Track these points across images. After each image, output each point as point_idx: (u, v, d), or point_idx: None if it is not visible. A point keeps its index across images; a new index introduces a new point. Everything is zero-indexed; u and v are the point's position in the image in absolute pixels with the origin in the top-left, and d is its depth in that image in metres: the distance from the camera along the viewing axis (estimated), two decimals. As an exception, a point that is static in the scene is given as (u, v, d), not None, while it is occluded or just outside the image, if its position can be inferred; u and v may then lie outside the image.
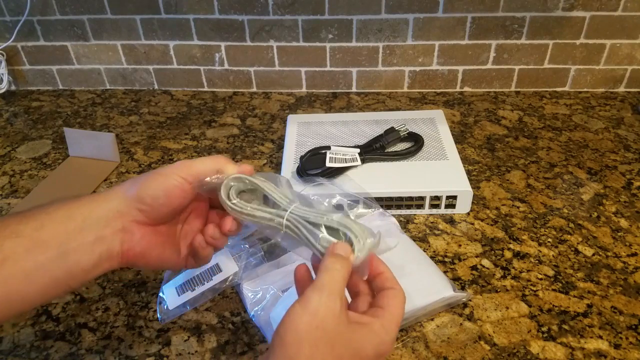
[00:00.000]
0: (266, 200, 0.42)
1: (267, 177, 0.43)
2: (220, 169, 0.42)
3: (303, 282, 0.40)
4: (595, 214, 0.64)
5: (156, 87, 0.99)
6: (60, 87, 1.01)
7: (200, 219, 0.46)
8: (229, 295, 0.55)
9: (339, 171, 0.67)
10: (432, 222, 0.64)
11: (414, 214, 0.65)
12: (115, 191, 0.41)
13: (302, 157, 0.68)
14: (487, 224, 0.64)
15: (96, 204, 0.39)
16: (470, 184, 0.65)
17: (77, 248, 0.37)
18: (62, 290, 0.38)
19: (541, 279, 0.56)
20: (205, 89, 0.98)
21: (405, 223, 0.64)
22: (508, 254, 0.59)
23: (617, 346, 0.48)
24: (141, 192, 0.40)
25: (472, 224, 0.64)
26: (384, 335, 0.35)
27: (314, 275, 0.38)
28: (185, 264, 0.46)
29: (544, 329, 0.50)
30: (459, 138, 0.80)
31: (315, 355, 0.33)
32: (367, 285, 0.40)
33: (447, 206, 0.65)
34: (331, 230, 0.39)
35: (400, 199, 0.64)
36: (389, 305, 0.37)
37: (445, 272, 0.56)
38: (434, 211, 0.65)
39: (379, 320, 0.36)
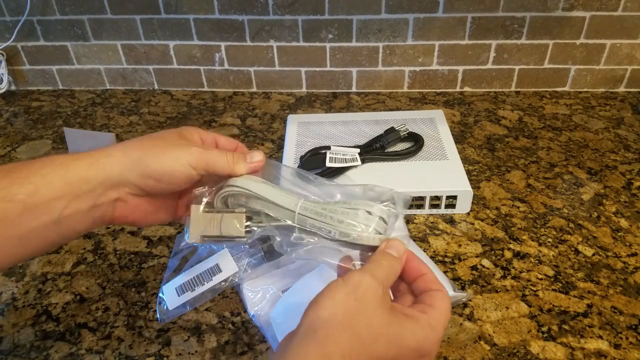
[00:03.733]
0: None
1: (268, 170, 0.43)
2: (231, 169, 0.41)
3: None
4: (595, 214, 0.64)
5: (156, 87, 0.99)
6: (60, 87, 1.01)
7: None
8: (229, 295, 0.55)
9: (339, 171, 0.67)
10: (432, 222, 0.64)
11: (414, 214, 0.65)
12: (117, 157, 0.38)
13: (302, 157, 0.68)
14: (487, 224, 0.63)
15: (95, 168, 0.37)
16: (470, 184, 0.65)
17: (71, 215, 0.37)
18: (54, 247, 0.40)
19: (541, 279, 0.56)
20: (205, 89, 0.98)
21: (405, 223, 0.64)
22: (508, 254, 0.59)
23: (617, 346, 0.48)
24: (145, 171, 0.38)
25: (472, 224, 0.64)
26: (429, 331, 0.34)
27: None
28: (181, 216, 0.46)
29: (544, 329, 0.50)
30: (459, 138, 0.80)
31: (347, 326, 0.32)
32: (407, 287, 0.39)
33: (447, 206, 0.65)
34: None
35: (400, 199, 0.64)
36: (437, 306, 0.35)
37: (445, 272, 0.56)
38: (434, 211, 0.65)
39: (426, 316, 0.35)
